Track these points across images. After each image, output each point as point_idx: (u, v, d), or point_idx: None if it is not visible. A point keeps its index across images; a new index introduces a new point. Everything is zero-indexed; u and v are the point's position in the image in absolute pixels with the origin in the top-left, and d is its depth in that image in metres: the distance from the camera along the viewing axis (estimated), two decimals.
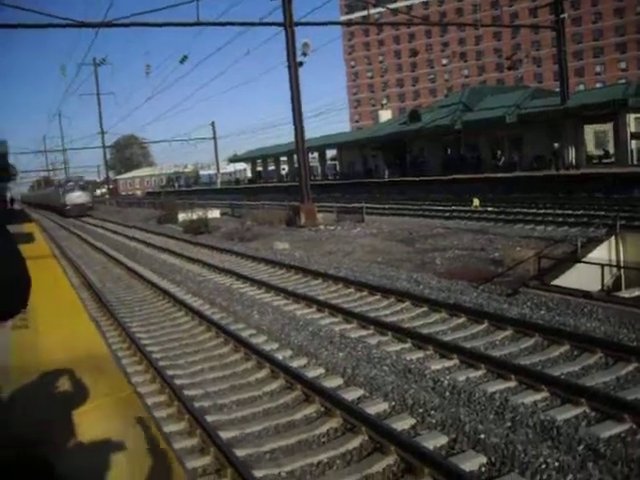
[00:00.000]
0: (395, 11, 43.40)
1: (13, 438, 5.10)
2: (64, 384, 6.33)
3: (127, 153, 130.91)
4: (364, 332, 12.32)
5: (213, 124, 78.42)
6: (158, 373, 10.36)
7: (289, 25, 29.10)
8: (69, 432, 5.50)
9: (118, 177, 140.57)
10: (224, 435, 7.88)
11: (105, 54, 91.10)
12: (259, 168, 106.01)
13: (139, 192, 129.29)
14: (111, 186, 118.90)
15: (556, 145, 46.66)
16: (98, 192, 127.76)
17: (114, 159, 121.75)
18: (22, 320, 10.20)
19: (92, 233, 44.18)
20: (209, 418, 8.46)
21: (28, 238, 30.61)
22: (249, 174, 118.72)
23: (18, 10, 20.59)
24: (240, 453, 7.34)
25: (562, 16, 46.04)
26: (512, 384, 8.91)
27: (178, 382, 10.06)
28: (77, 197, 67.84)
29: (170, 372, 10.66)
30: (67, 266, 24.40)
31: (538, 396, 8.40)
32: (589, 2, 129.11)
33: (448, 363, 10.06)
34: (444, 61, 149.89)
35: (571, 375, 9.11)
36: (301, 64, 31.54)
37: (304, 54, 32.06)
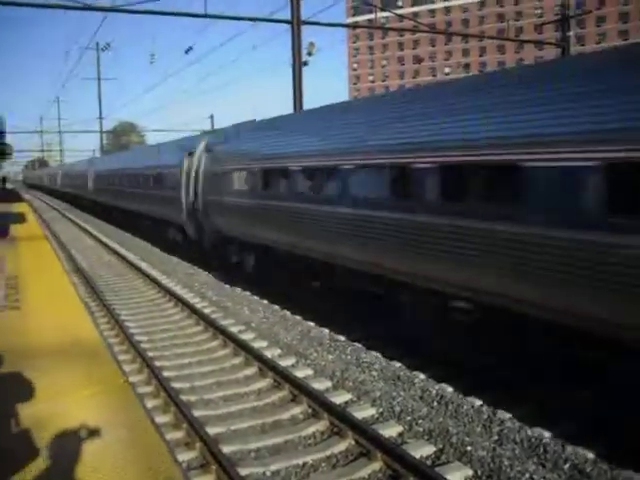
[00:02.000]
0: (401, 17, 43.30)
1: None
2: (55, 369, 6.30)
3: (124, 140, 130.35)
4: (354, 335, 12.30)
5: (212, 117, 78.11)
6: (146, 364, 10.32)
7: (296, 23, 29.05)
8: (61, 420, 5.47)
9: None
10: (210, 430, 7.86)
11: (111, 40, 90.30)
12: None
13: None
14: None
15: None
16: None
17: (110, 145, 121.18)
18: (14, 302, 10.15)
19: (83, 218, 43.98)
20: (196, 412, 8.44)
21: (20, 218, 30.48)
22: None
23: None
24: (226, 450, 7.33)
25: (568, 34, 46.23)
26: None
27: (165, 374, 10.04)
28: None
29: (158, 363, 10.63)
30: (58, 249, 24.29)
31: None
32: (594, 22, 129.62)
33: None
34: (447, 70, 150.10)
35: None
36: (306, 63, 31.49)
37: (309, 54, 32.01)
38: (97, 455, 4.76)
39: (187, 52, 33.90)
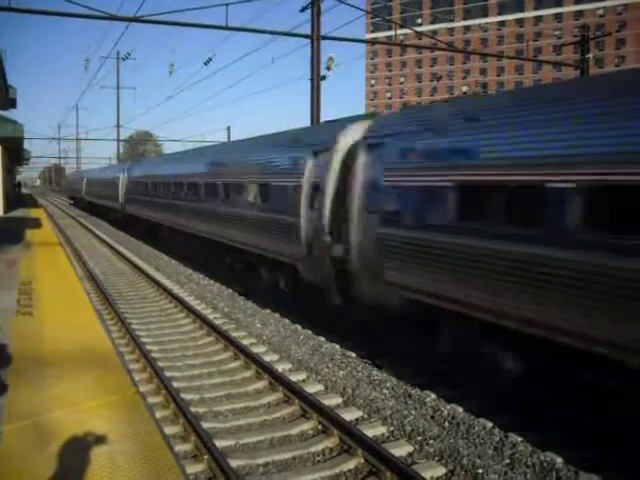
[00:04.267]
0: (420, 34, 43.50)
1: None
2: (67, 378, 6.28)
3: (140, 149, 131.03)
4: (365, 351, 12.22)
5: (229, 129, 78.38)
6: (156, 373, 10.28)
7: (316, 38, 29.19)
8: (71, 429, 5.43)
9: None
10: (219, 443, 7.80)
11: (131, 49, 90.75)
12: None
13: None
14: None
15: None
16: None
17: (127, 154, 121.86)
18: (26, 307, 10.15)
19: (98, 225, 44.23)
20: (205, 424, 8.38)
21: (36, 223, 30.66)
22: None
23: None
24: (234, 464, 7.26)
25: (587, 56, 46.12)
26: None
27: (175, 385, 10.00)
28: None
29: (168, 374, 10.59)
30: (71, 254, 24.39)
31: None
32: (613, 45, 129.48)
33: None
34: (464, 89, 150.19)
35: None
36: (324, 78, 31.59)
37: (328, 68, 32.12)
38: (107, 466, 4.73)
39: (206, 64, 34.17)
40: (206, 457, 7.32)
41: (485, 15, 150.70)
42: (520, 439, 8.05)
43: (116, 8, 27.87)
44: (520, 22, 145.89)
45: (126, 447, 4.99)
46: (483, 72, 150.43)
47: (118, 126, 79.54)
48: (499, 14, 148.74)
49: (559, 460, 7.43)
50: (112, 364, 7.40)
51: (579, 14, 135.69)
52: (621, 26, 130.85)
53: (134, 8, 42.12)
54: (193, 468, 7.18)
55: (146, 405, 6.43)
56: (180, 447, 7.72)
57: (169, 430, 8.17)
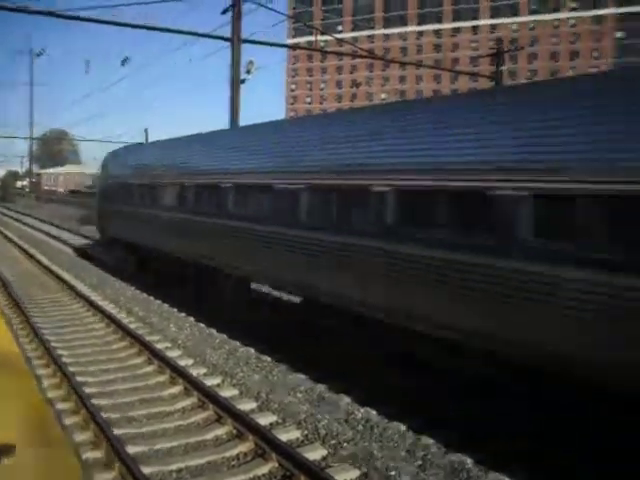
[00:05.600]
0: (340, 41, 43.73)
1: None
2: None
3: (55, 148, 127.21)
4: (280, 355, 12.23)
5: (146, 130, 76.88)
6: (67, 379, 10.00)
7: (236, 40, 29.06)
8: None
9: (42, 171, 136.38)
10: (131, 450, 7.65)
11: (45, 45, 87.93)
12: None
13: (62, 189, 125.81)
14: (34, 180, 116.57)
15: None
16: (19, 184, 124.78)
17: (40, 152, 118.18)
18: None
19: (9, 226, 42.73)
20: (117, 431, 8.21)
21: None
22: None
23: None
24: (146, 470, 7.13)
25: (501, 68, 47.56)
26: None
27: (87, 390, 9.75)
28: None
29: (80, 379, 10.32)
30: None
31: None
32: (526, 59, 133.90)
33: None
34: (383, 95, 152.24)
35: None
36: (243, 81, 31.49)
37: (248, 72, 32.03)
38: (11, 475, 4.56)
39: (123, 64, 33.36)
40: (117, 465, 7.17)
41: (405, 25, 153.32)
42: (432, 441, 8.21)
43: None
44: (438, 33, 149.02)
45: (31, 454, 4.83)
46: (402, 80, 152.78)
47: (32, 124, 77.21)
48: (418, 24, 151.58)
49: (469, 460, 7.62)
50: (19, 368, 7.15)
51: (495, 28, 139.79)
52: (534, 41, 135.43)
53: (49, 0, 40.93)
54: (102, 477, 7.01)
55: (55, 412, 6.26)
56: (89, 455, 7.54)
57: (79, 437, 7.97)
